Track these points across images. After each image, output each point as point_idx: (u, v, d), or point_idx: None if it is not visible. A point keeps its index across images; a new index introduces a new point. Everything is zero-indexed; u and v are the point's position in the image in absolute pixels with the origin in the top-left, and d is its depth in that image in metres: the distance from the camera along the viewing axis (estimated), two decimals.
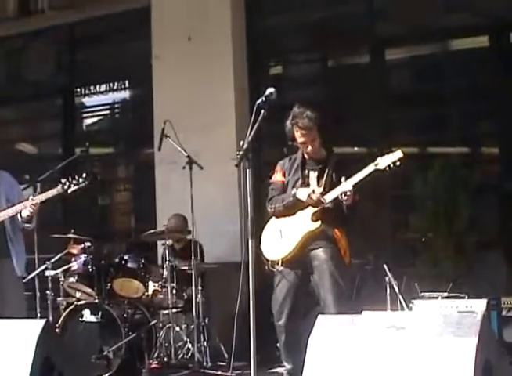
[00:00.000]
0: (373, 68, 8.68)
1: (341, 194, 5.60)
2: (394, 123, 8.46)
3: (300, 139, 5.88)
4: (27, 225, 6.36)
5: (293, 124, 5.85)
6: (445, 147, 8.52)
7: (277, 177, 6.08)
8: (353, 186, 5.59)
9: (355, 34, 8.54)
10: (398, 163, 5.51)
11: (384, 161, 5.55)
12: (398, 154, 5.53)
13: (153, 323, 7.11)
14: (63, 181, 6.18)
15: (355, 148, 8.69)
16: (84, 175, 6.21)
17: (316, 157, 5.96)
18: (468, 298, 6.19)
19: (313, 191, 5.76)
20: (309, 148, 5.88)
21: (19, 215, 6.26)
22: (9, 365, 4.52)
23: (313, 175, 5.93)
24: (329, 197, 5.71)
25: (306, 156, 5.99)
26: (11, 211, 6.23)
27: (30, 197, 6.18)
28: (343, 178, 5.61)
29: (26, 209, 6.14)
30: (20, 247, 6.46)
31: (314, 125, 5.80)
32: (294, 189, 5.87)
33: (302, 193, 5.81)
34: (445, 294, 6.32)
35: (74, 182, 6.17)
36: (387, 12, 8.61)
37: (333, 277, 5.74)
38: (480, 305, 6.08)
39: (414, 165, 8.23)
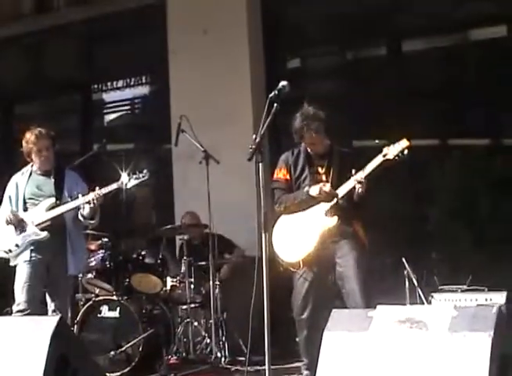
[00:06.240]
0: (390, 60, 8.62)
1: (354, 186, 5.59)
2: (412, 115, 8.37)
3: (310, 140, 5.88)
4: (91, 221, 6.38)
5: (304, 125, 5.83)
6: (465, 139, 8.44)
7: (280, 175, 6.03)
8: (364, 178, 5.57)
9: (372, 25, 8.47)
10: (405, 152, 5.51)
11: (391, 151, 5.56)
12: (404, 143, 5.55)
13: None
14: (122, 175, 6.21)
15: (376, 141, 8.64)
16: (144, 170, 6.24)
17: (321, 151, 5.94)
18: (488, 290, 6.14)
19: (324, 184, 5.74)
20: (318, 147, 5.89)
21: (80, 213, 6.30)
22: (24, 362, 4.53)
23: (321, 171, 5.92)
24: (341, 191, 5.69)
25: (310, 151, 5.97)
26: (71, 205, 6.25)
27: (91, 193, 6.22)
28: (353, 171, 5.59)
29: (86, 204, 6.17)
30: (79, 247, 6.49)
31: (324, 127, 5.82)
32: (307, 188, 5.84)
33: (314, 190, 5.79)
34: (465, 287, 6.27)
35: (135, 177, 6.21)
36: (404, 3, 8.54)
37: (358, 268, 5.73)
38: (500, 298, 6.03)
39: (433, 157, 8.18)
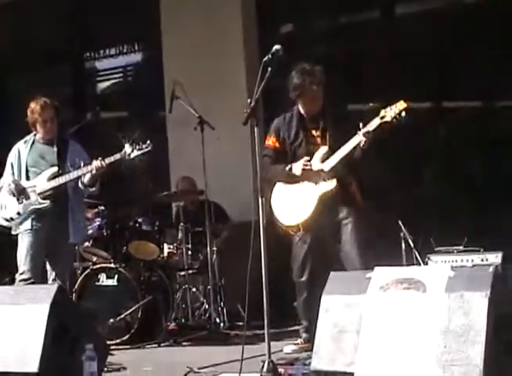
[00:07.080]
0: (384, 23, 8.57)
1: (355, 146, 5.57)
2: (405, 78, 8.33)
3: (311, 94, 5.84)
4: (91, 189, 6.43)
5: (305, 79, 5.79)
6: (459, 101, 8.42)
7: (270, 142, 6.02)
8: (366, 137, 5.54)
9: None
10: (403, 114, 5.49)
11: (389, 113, 5.53)
12: (401, 105, 5.54)
13: None
14: (126, 146, 6.23)
15: (371, 104, 8.62)
16: (147, 141, 6.26)
17: (314, 113, 5.91)
18: (484, 251, 6.17)
19: (308, 160, 5.73)
20: (317, 104, 5.86)
21: (80, 181, 6.34)
22: (23, 331, 4.54)
23: (315, 134, 5.90)
24: (340, 154, 5.67)
25: (304, 113, 5.93)
26: (73, 174, 6.29)
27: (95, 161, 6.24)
28: (360, 125, 5.56)
29: (89, 172, 6.22)
30: (80, 215, 6.58)
31: (323, 81, 5.81)
32: (290, 165, 5.83)
33: (297, 168, 5.79)
34: (461, 248, 6.30)
35: (138, 147, 6.22)
36: None
37: (356, 231, 5.78)
38: (495, 259, 6.07)
39: (427, 120, 8.16)
